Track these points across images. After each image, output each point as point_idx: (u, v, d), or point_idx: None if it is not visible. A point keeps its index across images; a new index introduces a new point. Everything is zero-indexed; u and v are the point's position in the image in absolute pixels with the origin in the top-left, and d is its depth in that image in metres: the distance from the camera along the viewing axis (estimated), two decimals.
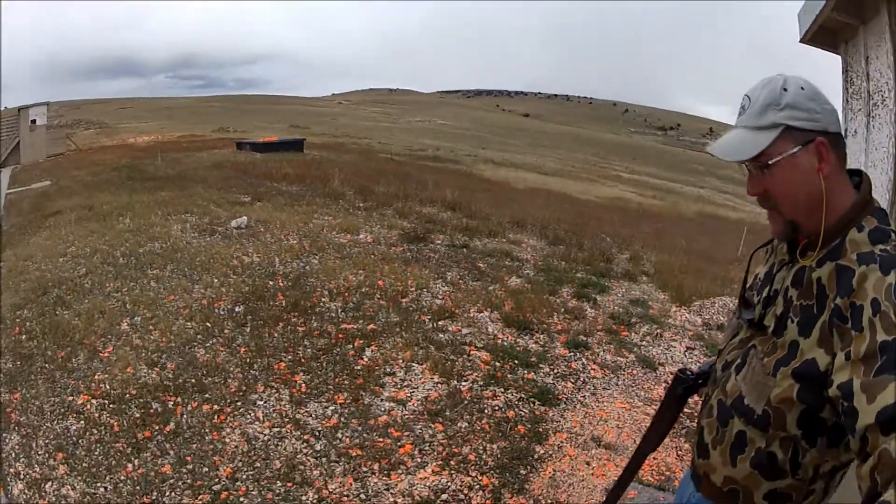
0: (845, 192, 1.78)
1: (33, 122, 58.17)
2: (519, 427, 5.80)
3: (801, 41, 5.23)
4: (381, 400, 6.06)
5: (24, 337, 7.25)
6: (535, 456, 5.41)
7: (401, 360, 6.79)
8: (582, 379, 7.10)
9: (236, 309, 7.71)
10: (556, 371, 7.17)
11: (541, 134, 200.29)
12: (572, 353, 7.73)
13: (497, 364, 7.03)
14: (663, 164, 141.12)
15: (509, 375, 6.84)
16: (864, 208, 1.75)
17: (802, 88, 1.76)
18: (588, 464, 5.40)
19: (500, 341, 7.74)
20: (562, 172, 64.82)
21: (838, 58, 5.10)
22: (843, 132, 4.74)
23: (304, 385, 6.17)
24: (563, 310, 9.39)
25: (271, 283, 8.78)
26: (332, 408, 5.84)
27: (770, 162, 1.79)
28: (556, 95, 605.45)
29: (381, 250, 11.50)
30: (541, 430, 5.85)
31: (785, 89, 1.76)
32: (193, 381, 6.18)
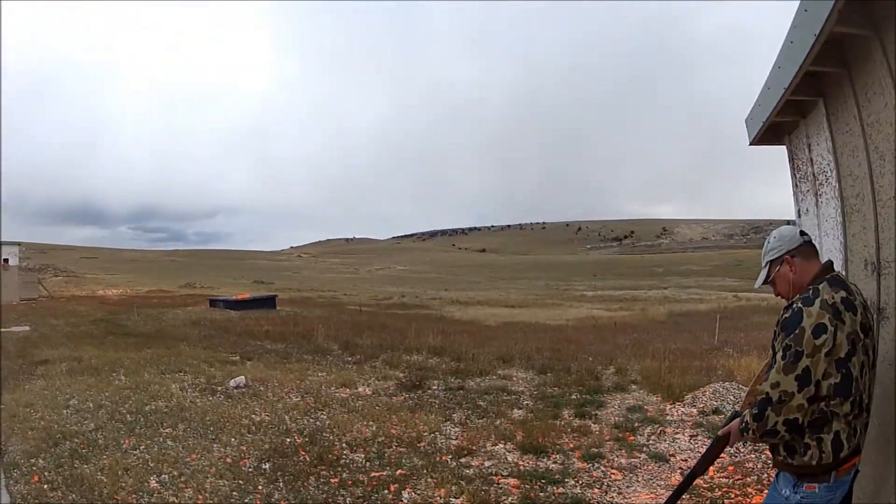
0: (809, 273, 3.31)
1: (5, 260, 57.99)
2: None
3: (750, 144, 5.94)
4: None
5: (45, 486, 7.23)
6: None
7: (439, 498, 7.05)
8: (606, 484, 7.57)
9: (263, 466, 7.86)
10: (581, 482, 7.60)
11: (500, 267, 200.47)
12: (590, 464, 8.22)
13: (527, 486, 7.40)
14: (623, 274, 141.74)
15: (541, 494, 7.22)
16: (814, 280, 3.23)
17: (775, 237, 3.46)
18: None
19: (522, 467, 8.11)
20: (528, 302, 65.08)
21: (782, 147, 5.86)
22: (797, 213, 5.62)
23: None
24: (569, 430, 9.90)
25: (288, 440, 8.93)
26: None
27: (769, 280, 3.48)
28: (509, 226, 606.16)
29: (384, 401, 11.80)
30: None
31: (768, 241, 3.47)
32: None
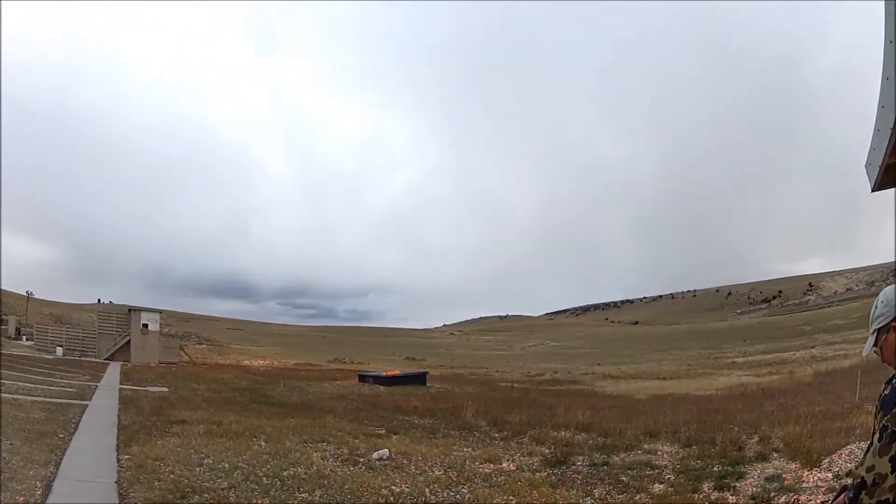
0: None
1: (145, 325, 61.43)
2: None
3: (872, 190, 5.26)
4: None
5: None
6: None
7: None
8: None
9: None
10: None
11: (652, 339, 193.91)
12: None
13: None
14: (773, 337, 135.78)
15: None
16: None
17: (882, 301, 3.07)
18: None
19: None
20: (679, 373, 62.97)
21: None
22: None
23: None
24: (706, 503, 10.01)
25: None
26: None
27: (877, 346, 3.08)
28: (660, 297, 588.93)
29: (527, 476, 11.75)
30: None
31: (875, 307, 3.10)
32: None
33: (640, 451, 14.85)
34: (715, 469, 12.27)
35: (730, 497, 10.22)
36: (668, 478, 11.82)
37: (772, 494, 10.12)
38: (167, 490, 9.26)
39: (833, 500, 3.23)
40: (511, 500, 9.88)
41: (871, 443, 2.89)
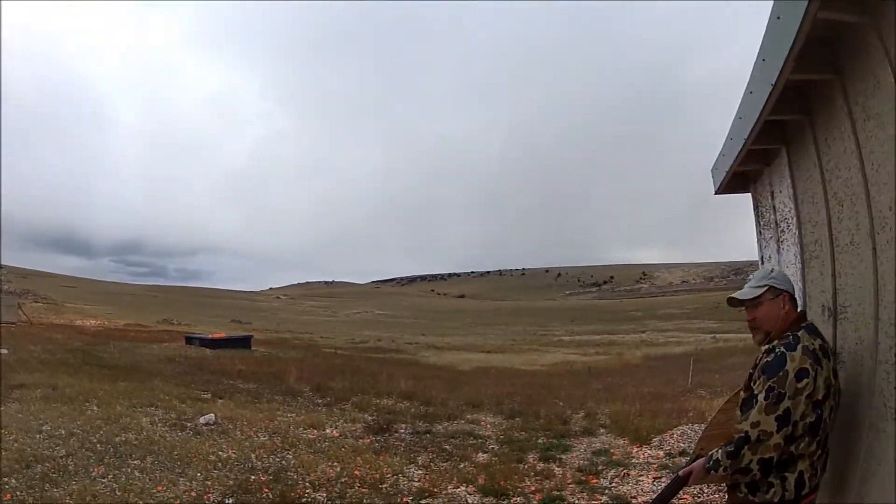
0: (789, 320, 3.45)
1: None
2: None
3: (716, 193, 6.12)
4: None
5: None
6: None
7: None
8: None
9: (227, 501, 7.85)
10: None
11: (478, 313, 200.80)
12: None
13: None
14: (602, 319, 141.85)
15: None
16: (791, 328, 3.40)
17: (780, 272, 3.64)
18: None
19: None
20: (504, 348, 65.11)
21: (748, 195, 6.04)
22: (760, 260, 5.80)
23: None
24: (532, 473, 9.89)
25: (253, 477, 8.90)
26: None
27: (758, 302, 3.50)
28: (488, 272, 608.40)
29: (350, 443, 11.73)
30: None
31: (771, 270, 3.67)
32: None
33: (462, 421, 15.07)
34: (540, 441, 12.54)
35: (556, 468, 10.30)
36: (493, 448, 12.01)
37: (600, 468, 10.25)
38: (14, 460, 8.89)
39: (687, 466, 3.51)
40: (335, 467, 9.81)
41: (751, 403, 3.23)
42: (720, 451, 3.25)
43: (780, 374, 3.13)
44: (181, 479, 8.61)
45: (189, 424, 12.35)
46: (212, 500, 7.87)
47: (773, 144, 4.72)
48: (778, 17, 3.15)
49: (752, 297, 3.49)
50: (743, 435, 3.14)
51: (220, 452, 10.19)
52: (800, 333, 3.29)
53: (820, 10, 2.72)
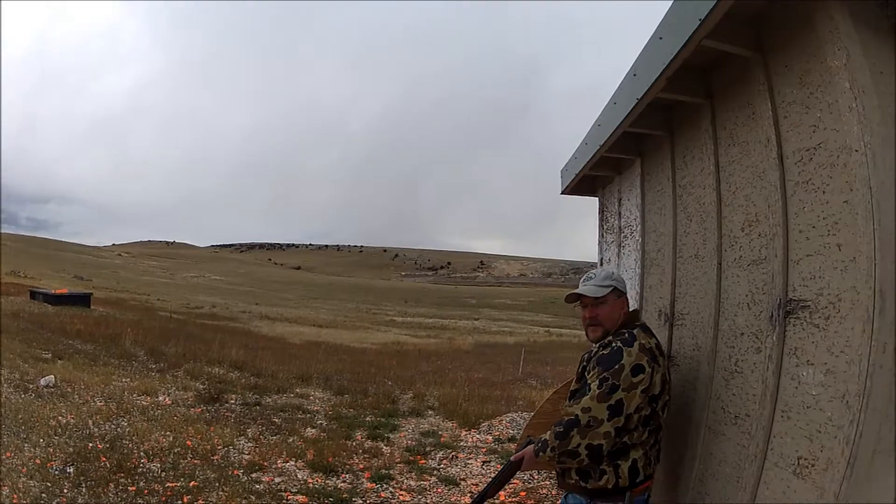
0: (623, 318, 3.57)
1: None
2: None
3: (562, 193, 6.33)
4: None
5: None
6: None
7: None
8: None
9: (68, 469, 7.63)
10: (368, 502, 7.74)
11: (313, 286, 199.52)
12: (379, 485, 8.35)
13: None
14: (435, 303, 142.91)
15: None
16: (625, 325, 3.52)
17: (620, 275, 3.72)
18: None
19: (311, 484, 8.15)
20: (335, 323, 64.61)
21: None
22: (599, 262, 6.01)
23: None
24: (360, 451, 10.02)
25: (91, 444, 8.67)
26: None
27: (601, 301, 3.57)
28: (326, 246, 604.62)
29: (182, 411, 11.61)
30: None
31: (612, 272, 3.71)
32: None
33: (292, 395, 15.18)
34: (368, 419, 12.69)
35: (384, 447, 10.48)
36: (321, 423, 12.09)
37: (428, 449, 10.47)
38: None
39: (518, 450, 3.56)
40: (168, 436, 9.64)
41: (583, 391, 3.31)
42: (550, 432, 3.31)
43: (616, 367, 3.22)
44: (26, 444, 8.36)
45: (31, 386, 12.02)
46: (55, 467, 7.65)
47: (628, 155, 4.85)
48: (660, 38, 3.22)
49: (598, 295, 3.57)
50: (573, 418, 3.21)
51: (60, 417, 9.94)
52: (636, 332, 3.41)
53: (707, 38, 2.82)
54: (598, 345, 3.52)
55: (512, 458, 3.61)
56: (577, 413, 3.21)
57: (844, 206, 2.39)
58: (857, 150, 2.31)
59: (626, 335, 3.39)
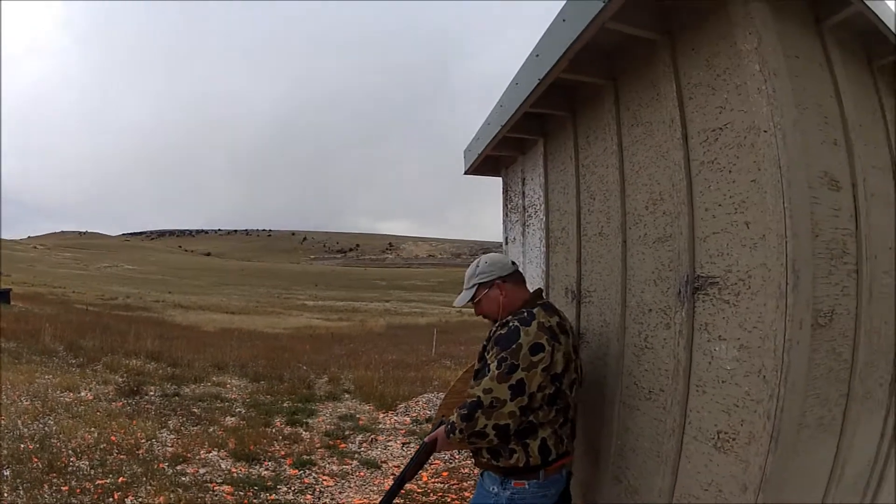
0: (520, 298, 3.54)
1: None
2: None
3: (465, 173, 6.31)
4: None
5: None
6: None
7: None
8: (318, 490, 7.72)
9: (5, 472, 7.46)
10: (293, 489, 7.71)
11: (223, 272, 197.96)
12: (302, 471, 8.35)
13: (241, 493, 7.41)
14: (346, 286, 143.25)
15: (255, 500, 7.27)
16: (525, 305, 3.45)
17: (486, 262, 3.63)
18: None
19: (234, 474, 8.10)
20: (248, 309, 64.63)
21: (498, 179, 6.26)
22: (504, 241, 5.99)
23: None
24: (280, 437, 10.01)
25: (23, 445, 8.48)
26: None
27: (476, 301, 3.62)
28: (235, 231, 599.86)
29: (104, 406, 11.36)
30: None
31: (477, 265, 3.63)
32: None
33: (209, 384, 14.97)
34: (285, 405, 12.67)
35: (303, 433, 10.48)
36: (239, 411, 12.00)
37: (347, 433, 10.53)
38: None
39: (431, 432, 3.63)
40: (93, 432, 9.39)
41: (486, 371, 3.29)
42: (455, 414, 3.32)
43: (514, 346, 3.17)
44: None
45: None
46: None
47: (531, 135, 4.88)
48: (563, 20, 3.17)
49: (468, 300, 3.65)
50: (475, 399, 3.19)
51: None
52: (535, 311, 3.35)
53: (611, 20, 2.80)
54: (496, 324, 3.48)
55: (426, 440, 3.64)
56: (478, 395, 3.20)
57: (752, 185, 2.43)
58: (765, 131, 2.35)
59: (525, 314, 3.34)
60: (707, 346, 2.73)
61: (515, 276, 3.63)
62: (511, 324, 3.30)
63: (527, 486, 3.33)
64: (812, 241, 2.32)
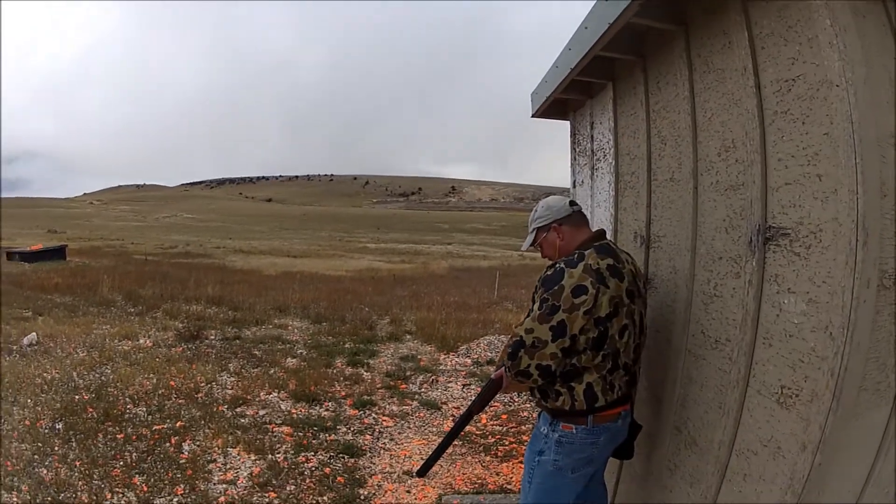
0: (577, 240, 3.53)
1: None
2: (339, 479, 6.42)
3: (532, 116, 6.26)
4: (215, 484, 6.33)
5: None
6: (362, 497, 6.07)
7: (216, 448, 7.11)
8: (377, 430, 7.90)
9: (57, 426, 7.64)
10: (352, 429, 7.90)
11: (285, 217, 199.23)
12: (362, 412, 8.53)
13: (300, 434, 7.60)
14: (408, 229, 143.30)
15: (314, 441, 7.44)
16: (580, 247, 3.43)
17: (543, 206, 3.69)
18: (409, 492, 6.22)
19: (294, 415, 8.31)
20: (309, 253, 64.72)
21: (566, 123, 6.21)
22: (572, 184, 5.97)
23: (144, 485, 6.27)
24: (341, 378, 10.19)
25: (77, 397, 8.66)
26: (176, 500, 6.01)
27: (536, 243, 3.69)
28: (296, 177, 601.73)
29: (163, 352, 11.60)
30: (358, 476, 6.54)
31: (535, 210, 3.72)
32: (49, 500, 6.02)
33: (270, 326, 15.20)
34: (347, 346, 12.79)
35: (364, 373, 10.65)
36: (301, 352, 12.19)
37: (408, 373, 10.69)
38: None
39: (494, 373, 3.68)
40: (151, 378, 9.69)
41: (531, 311, 3.31)
42: (503, 352, 3.39)
43: (556, 287, 3.21)
44: (15, 407, 8.35)
45: (15, 347, 11.92)
46: (44, 426, 7.67)
47: (599, 79, 4.81)
48: None
49: (528, 244, 3.72)
50: (518, 339, 3.24)
51: (46, 374, 9.89)
52: (586, 252, 3.35)
53: None
54: (547, 266, 3.49)
55: (492, 376, 3.67)
56: (521, 334, 3.24)
57: (825, 138, 2.38)
58: (837, 86, 2.29)
59: (575, 255, 3.36)
60: (776, 297, 2.70)
61: (574, 219, 3.62)
62: (558, 265, 3.33)
63: (574, 431, 3.38)
64: (881, 200, 2.25)
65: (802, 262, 2.53)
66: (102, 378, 9.75)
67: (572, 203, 3.67)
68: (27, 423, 7.73)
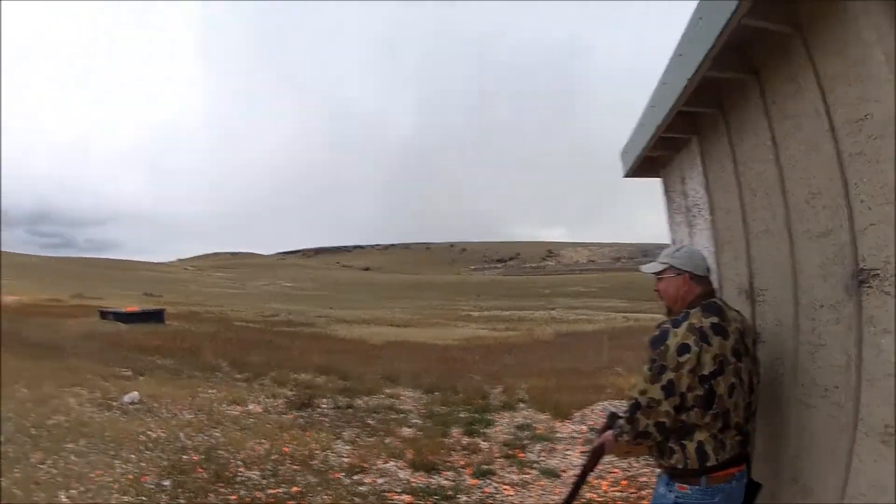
0: (692, 295, 3.52)
1: None
2: None
3: (625, 176, 6.33)
4: None
5: None
6: None
7: None
8: (499, 500, 7.78)
9: (164, 482, 7.71)
10: (473, 498, 7.79)
11: (383, 286, 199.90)
12: (482, 481, 8.38)
13: (420, 502, 7.57)
14: (508, 295, 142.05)
15: None
16: (692, 305, 3.46)
17: (687, 252, 3.67)
18: None
19: (414, 484, 8.22)
20: (412, 322, 64.28)
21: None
22: (672, 242, 5.96)
23: None
24: (458, 447, 10.06)
25: (185, 457, 8.75)
26: None
27: (660, 276, 3.64)
28: (393, 245, 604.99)
29: (275, 419, 11.72)
30: None
31: (679, 249, 3.71)
32: None
33: (382, 395, 15.08)
34: (462, 416, 12.65)
35: (482, 443, 10.50)
36: (416, 422, 12.12)
37: (525, 442, 10.47)
38: None
39: (601, 432, 3.82)
40: (264, 443, 9.69)
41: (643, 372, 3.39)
42: (623, 418, 3.48)
43: (662, 347, 3.29)
44: (116, 461, 8.39)
45: (115, 403, 12.03)
46: (149, 482, 7.74)
47: (684, 134, 4.86)
48: (700, 18, 3.27)
49: (653, 271, 3.69)
50: (634, 401, 3.35)
51: (150, 432, 9.94)
52: (692, 311, 3.41)
53: (745, 16, 2.84)
54: (656, 325, 3.52)
55: (594, 444, 3.79)
56: (636, 396, 3.35)
57: None
58: None
59: (681, 315, 3.42)
60: (874, 339, 2.70)
61: (703, 282, 3.61)
62: (664, 325, 3.40)
63: (689, 491, 3.37)
64: None
65: (893, 300, 2.53)
66: (212, 440, 9.82)
67: (709, 269, 3.70)
68: (129, 477, 7.83)
